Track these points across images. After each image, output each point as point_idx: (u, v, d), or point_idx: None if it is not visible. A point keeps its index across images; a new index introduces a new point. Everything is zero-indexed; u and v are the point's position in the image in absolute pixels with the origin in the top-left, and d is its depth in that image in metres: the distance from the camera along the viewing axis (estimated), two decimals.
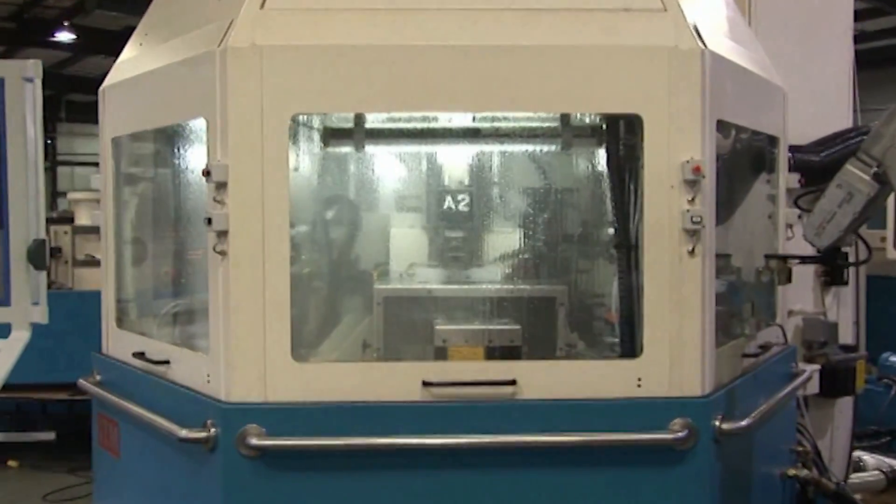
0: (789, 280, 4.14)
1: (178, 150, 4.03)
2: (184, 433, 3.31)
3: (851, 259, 4.82)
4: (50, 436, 8.36)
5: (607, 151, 3.67)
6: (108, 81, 4.18)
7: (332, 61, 3.25)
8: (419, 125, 3.97)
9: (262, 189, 3.25)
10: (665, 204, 3.30)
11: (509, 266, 4.16)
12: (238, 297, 3.26)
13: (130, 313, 4.30)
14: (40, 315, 4.11)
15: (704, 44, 3.33)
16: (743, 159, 4.22)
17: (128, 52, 4.19)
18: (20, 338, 4.09)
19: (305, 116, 3.94)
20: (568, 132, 3.95)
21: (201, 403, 3.36)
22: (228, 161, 3.25)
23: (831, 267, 5.16)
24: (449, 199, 4.13)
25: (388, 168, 4.27)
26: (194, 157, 3.82)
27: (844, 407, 5.52)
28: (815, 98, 5.16)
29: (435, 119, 3.98)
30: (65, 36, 18.22)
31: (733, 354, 3.76)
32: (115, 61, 4.23)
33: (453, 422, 3.26)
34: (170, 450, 3.48)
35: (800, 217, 4.30)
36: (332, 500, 3.27)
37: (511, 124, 3.96)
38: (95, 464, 4.30)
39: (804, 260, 4.20)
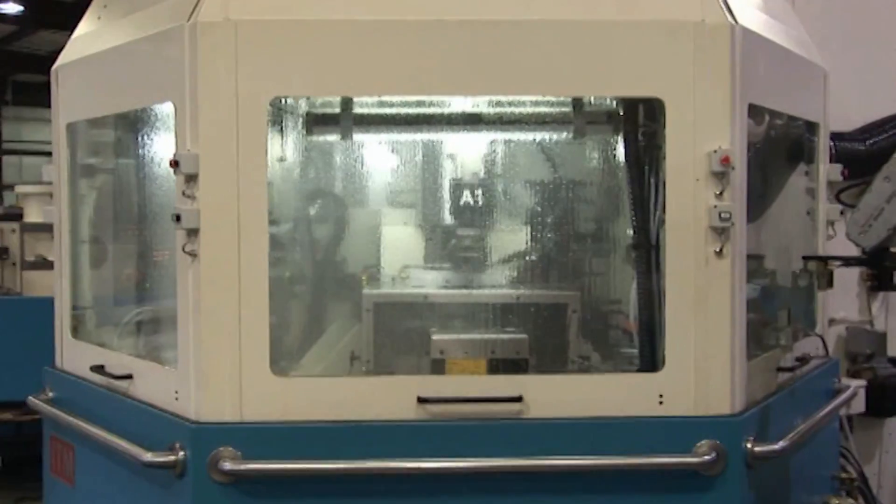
0: (830, 285, 4.14)
1: (143, 137, 4.05)
2: (149, 457, 3.31)
3: None
4: None
5: (625, 140, 3.69)
6: (61, 60, 4.20)
7: (316, 38, 3.27)
8: (414, 111, 3.99)
9: (237, 182, 3.26)
10: (690, 199, 3.33)
11: (515, 268, 4.18)
12: (210, 304, 3.28)
13: (88, 322, 4.32)
14: None
15: (734, 18, 3.35)
16: (778, 148, 4.25)
17: (84, 26, 4.21)
18: None
19: (286, 100, 3.97)
20: (581, 118, 3.98)
21: (169, 423, 3.38)
22: (199, 150, 3.27)
23: (878, 269, 5.16)
24: (447, 193, 4.17)
25: (379, 159, 4.30)
26: (161, 146, 3.84)
27: (894, 428, 5.54)
28: (861, 79, 5.16)
29: (432, 104, 3.99)
30: (11, 7, 18.11)
31: (767, 368, 3.79)
32: (69, 37, 4.25)
33: (452, 443, 3.28)
34: (133, 476, 3.50)
35: (842, 213, 4.34)
36: None
37: (517, 110, 3.99)
38: (47, 493, 4.30)
39: (847, 262, 4.21)
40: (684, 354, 3.34)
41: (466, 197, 4.17)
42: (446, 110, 4.01)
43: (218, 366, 3.29)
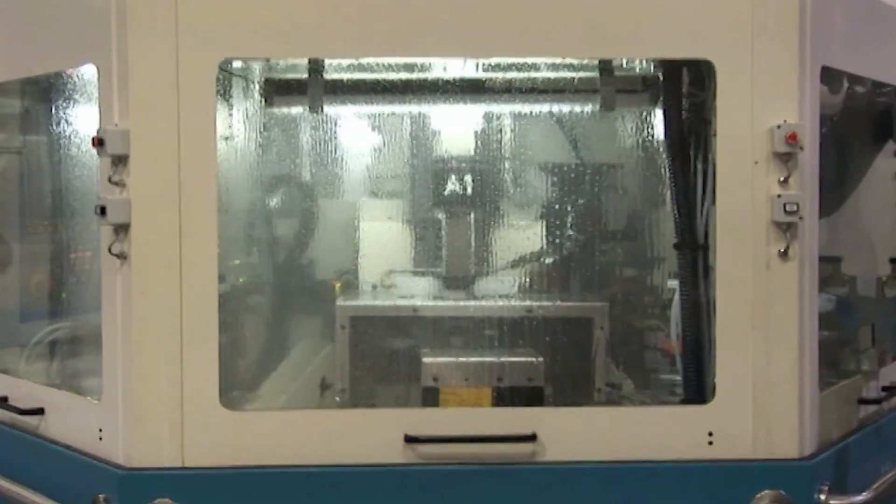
0: None
1: (58, 109, 4.05)
2: None
3: None
4: None
5: (665, 113, 3.68)
6: None
7: None
8: (399, 77, 3.98)
9: (177, 165, 3.26)
10: (747, 187, 3.32)
11: (527, 274, 4.19)
12: (144, 318, 3.27)
13: None
14: None
15: None
16: (859, 123, 4.26)
17: None
18: None
19: (239, 63, 3.96)
20: (610, 87, 3.97)
21: (91, 470, 3.36)
22: (129, 125, 3.26)
23: None
24: (442, 180, 4.15)
25: (357, 137, 4.29)
26: (81, 121, 3.84)
27: None
28: None
29: (422, 68, 3.98)
30: None
31: (845, 400, 3.79)
32: None
33: (448, 493, 3.27)
34: None
35: None
36: None
37: (529, 76, 3.97)
38: None
39: None
40: (740, 382, 3.34)
41: (465, 185, 4.16)
42: (440, 76, 4.00)
43: (153, 397, 3.27)
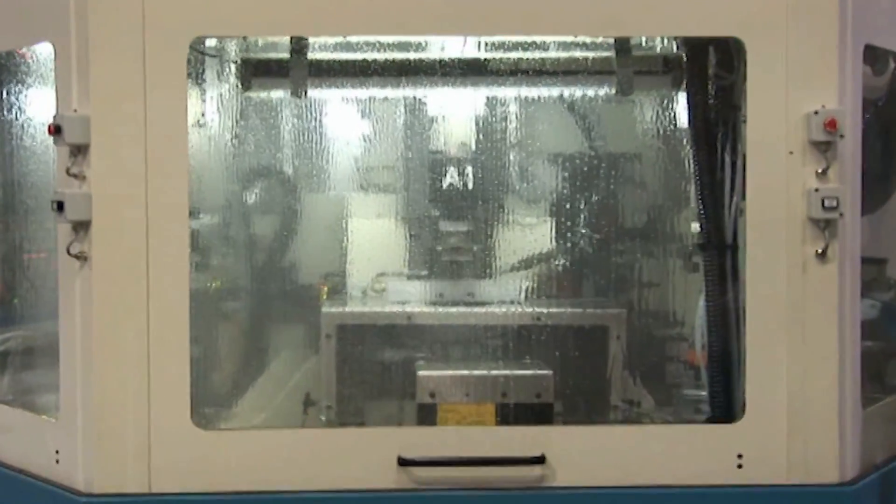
0: None
1: (9, 93, 4.03)
2: None
3: None
4: None
5: (689, 98, 3.67)
6: None
7: None
8: (394, 57, 3.98)
9: (144, 156, 3.25)
10: (780, 180, 3.32)
11: (535, 277, 4.18)
12: (106, 327, 3.26)
13: None
14: None
15: None
16: None
17: None
18: None
19: (213, 42, 3.95)
20: (627, 68, 3.97)
21: (47, 497, 3.35)
22: (90, 111, 3.26)
23: None
24: (441, 172, 4.15)
25: (345, 124, 4.29)
26: (35, 106, 3.83)
27: None
28: None
29: (418, 47, 3.99)
30: None
31: (891, 418, 3.78)
32: None
33: None
34: None
35: None
36: None
37: (537, 56, 3.97)
38: None
39: None
40: (773, 398, 3.34)
41: (466, 178, 4.16)
42: (437, 56, 4.01)
43: (117, 414, 3.26)
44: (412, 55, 3.99)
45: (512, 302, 4.12)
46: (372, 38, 3.91)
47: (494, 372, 3.80)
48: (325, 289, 4.21)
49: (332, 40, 3.95)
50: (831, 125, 3.27)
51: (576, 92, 4.17)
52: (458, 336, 4.01)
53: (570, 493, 3.32)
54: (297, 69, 3.99)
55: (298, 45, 3.97)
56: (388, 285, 4.20)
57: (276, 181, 4.32)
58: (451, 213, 4.18)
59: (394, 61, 3.98)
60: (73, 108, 3.28)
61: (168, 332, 3.27)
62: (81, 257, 3.29)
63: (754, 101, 3.33)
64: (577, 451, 3.35)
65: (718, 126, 3.60)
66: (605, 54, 3.99)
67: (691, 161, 3.66)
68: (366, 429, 3.77)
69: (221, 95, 4.10)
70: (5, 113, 4.11)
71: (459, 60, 3.99)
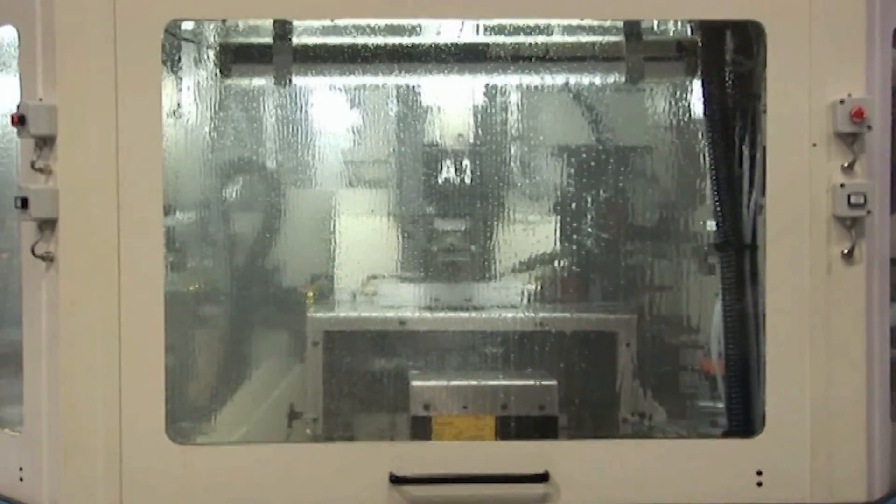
0: None
1: None
2: None
3: None
4: None
5: (704, 86, 3.67)
6: None
7: None
8: (385, 41, 3.98)
9: (115, 149, 3.24)
10: (803, 174, 3.31)
11: (538, 280, 4.18)
12: (74, 333, 3.25)
13: None
14: None
15: None
16: None
17: None
18: None
19: (190, 25, 3.94)
20: (637, 54, 3.97)
21: None
22: (56, 100, 3.25)
23: None
24: (436, 166, 4.15)
25: (333, 114, 4.29)
26: None
27: None
28: None
29: (412, 31, 3.98)
30: None
31: None
32: None
33: None
34: None
35: None
36: None
37: (539, 41, 3.97)
38: None
39: None
40: (795, 410, 3.33)
41: (463, 172, 4.16)
42: (432, 41, 4.00)
43: (86, 428, 3.25)
44: (405, 40, 3.99)
45: (513, 307, 4.12)
46: (362, 21, 3.91)
47: (494, 382, 3.80)
48: (312, 292, 4.21)
49: (318, 23, 3.95)
50: (858, 115, 3.26)
51: (582, 80, 4.16)
52: (455, 343, 4.01)
53: None
54: (280, 55, 3.99)
55: (282, 29, 3.96)
56: (380, 288, 4.20)
57: (259, 176, 4.31)
58: (447, 210, 4.18)
59: (385, 46, 3.98)
60: (39, 97, 3.28)
61: (141, 339, 3.25)
62: (47, 258, 3.28)
63: (775, 89, 3.32)
64: (583, 468, 3.35)
65: (736, 117, 3.60)
66: (613, 39, 3.99)
67: (707, 154, 3.66)
68: (355, 443, 3.77)
69: (199, 83, 4.09)
70: None
71: (456, 45, 3.99)
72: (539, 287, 4.18)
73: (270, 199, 4.31)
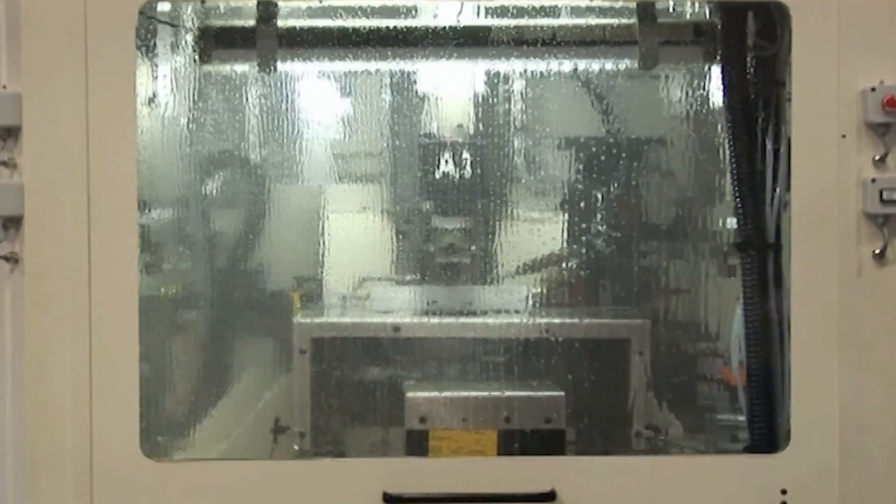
0: None
1: None
2: None
3: None
4: None
5: (724, 72, 3.66)
6: None
7: None
8: (378, 24, 3.98)
9: (85, 140, 3.23)
10: (831, 168, 3.31)
11: (544, 282, 4.19)
12: (40, 341, 3.24)
13: None
14: None
15: None
16: None
17: None
18: None
19: (167, 6, 3.92)
20: (651, 37, 3.96)
21: None
22: (21, 88, 3.24)
23: None
24: (433, 159, 4.14)
25: (321, 104, 4.29)
26: None
27: None
28: None
29: (407, 13, 3.98)
30: None
31: None
32: None
33: None
34: None
35: None
36: None
37: (545, 23, 3.98)
38: None
39: None
40: (822, 424, 3.32)
41: (462, 166, 4.14)
42: (429, 24, 4.00)
43: (53, 443, 3.24)
44: (400, 22, 3.99)
45: (517, 312, 4.12)
46: (352, 2, 3.91)
47: (496, 393, 3.80)
48: (299, 296, 4.22)
49: (305, 4, 3.95)
50: (891, 104, 3.26)
51: (591, 66, 4.16)
52: (454, 351, 4.02)
53: None
54: (264, 39, 3.99)
55: (266, 11, 3.96)
56: (373, 292, 4.20)
57: (241, 170, 4.30)
58: (445, 207, 4.18)
59: (378, 30, 3.98)
60: (2, 84, 3.27)
61: (113, 347, 3.25)
62: (11, 259, 3.27)
63: (801, 75, 3.31)
64: (592, 487, 3.35)
65: (758, 106, 3.60)
66: (625, 21, 3.99)
67: (727, 147, 3.65)
68: (346, 460, 3.77)
69: (176, 70, 4.08)
70: None
71: (455, 29, 3.98)
72: (545, 290, 4.18)
73: (254, 196, 4.30)
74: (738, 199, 3.60)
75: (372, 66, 4.16)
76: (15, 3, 3.24)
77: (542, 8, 3.94)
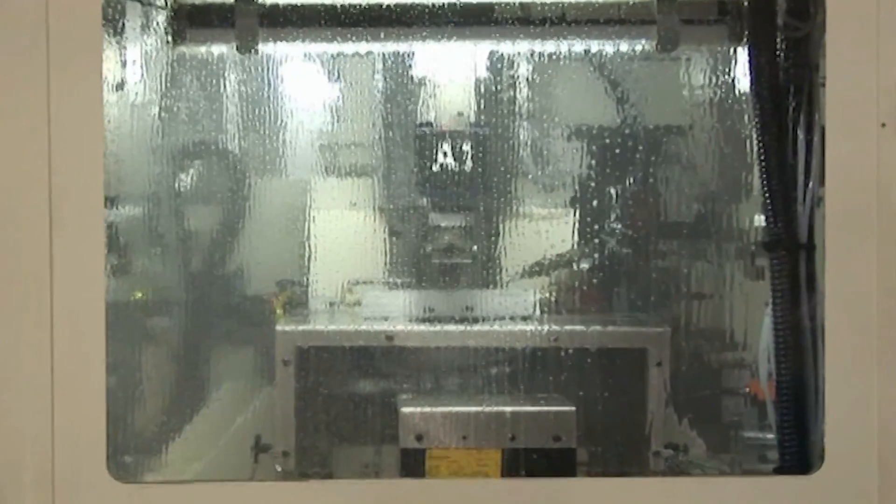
0: None
1: None
2: None
3: None
4: None
5: (750, 56, 3.67)
6: None
7: None
8: (369, 1, 4.00)
9: (46, 130, 3.21)
10: (870, 162, 3.29)
11: (552, 287, 4.21)
12: None
13: None
14: None
15: None
16: None
17: None
18: None
19: None
20: (670, 16, 3.98)
21: None
22: None
23: None
24: (430, 150, 4.14)
25: (307, 89, 4.31)
26: None
27: None
28: None
29: None
30: None
31: None
32: None
33: None
34: None
35: None
36: None
37: (555, 1, 3.99)
38: None
39: None
40: (860, 442, 3.29)
41: (462, 158, 4.15)
42: (426, 1, 4.01)
43: (13, 463, 3.23)
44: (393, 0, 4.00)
45: (522, 319, 4.12)
46: None
47: (500, 408, 3.80)
48: (281, 301, 4.23)
49: None
50: None
51: (605, 47, 4.17)
52: (453, 362, 4.03)
53: None
54: (244, 17, 4.02)
55: None
56: (363, 297, 4.21)
57: (218, 163, 4.32)
58: (443, 204, 4.20)
59: (370, 7, 3.99)
60: None
61: (78, 358, 3.22)
62: None
63: (836, 59, 3.29)
64: None
65: (789, 92, 3.60)
66: None
67: (754, 137, 3.65)
68: (334, 482, 3.76)
69: (147, 53, 4.09)
70: None
71: (455, 6, 3.99)
72: (553, 295, 4.21)
73: (232, 191, 4.32)
74: (766, 195, 3.60)
75: (363, 47, 4.17)
76: None
77: None
